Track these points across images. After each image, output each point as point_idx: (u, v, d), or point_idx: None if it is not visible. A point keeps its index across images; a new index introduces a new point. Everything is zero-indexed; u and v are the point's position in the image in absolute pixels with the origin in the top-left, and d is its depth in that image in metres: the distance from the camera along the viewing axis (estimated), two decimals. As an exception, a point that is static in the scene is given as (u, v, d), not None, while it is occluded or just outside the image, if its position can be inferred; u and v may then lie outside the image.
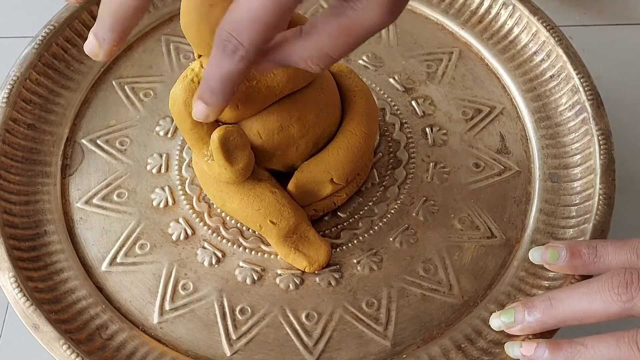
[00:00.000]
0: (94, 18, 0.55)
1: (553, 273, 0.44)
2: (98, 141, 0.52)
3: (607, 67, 0.63)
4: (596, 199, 0.46)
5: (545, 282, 0.44)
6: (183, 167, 0.50)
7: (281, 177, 0.47)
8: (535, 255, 0.43)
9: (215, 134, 0.41)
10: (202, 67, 0.43)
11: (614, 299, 0.38)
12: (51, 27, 0.54)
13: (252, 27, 0.34)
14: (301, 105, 0.45)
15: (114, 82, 0.55)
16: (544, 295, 0.41)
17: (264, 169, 0.46)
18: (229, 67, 0.36)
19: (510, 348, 0.41)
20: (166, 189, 0.50)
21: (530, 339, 0.41)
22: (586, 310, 0.39)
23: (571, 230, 0.46)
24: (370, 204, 0.49)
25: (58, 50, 0.54)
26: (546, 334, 0.41)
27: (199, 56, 0.43)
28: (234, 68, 0.36)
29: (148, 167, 0.51)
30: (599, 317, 0.39)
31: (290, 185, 0.46)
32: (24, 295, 0.43)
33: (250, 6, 0.34)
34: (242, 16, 0.34)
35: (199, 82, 0.42)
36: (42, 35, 0.53)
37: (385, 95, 0.53)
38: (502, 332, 0.42)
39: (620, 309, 0.38)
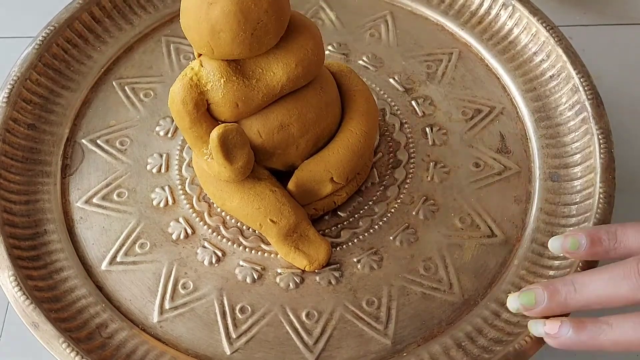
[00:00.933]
0: (95, 19, 0.55)
1: (554, 271, 0.44)
2: (98, 141, 0.52)
3: (607, 67, 0.63)
4: (596, 197, 0.46)
5: (546, 280, 0.44)
6: (183, 167, 0.50)
7: (281, 176, 0.47)
8: (556, 245, 0.43)
9: (215, 133, 0.41)
10: (202, 66, 0.43)
11: None
12: (51, 28, 0.54)
13: None
14: (301, 104, 0.45)
15: (114, 83, 0.55)
16: (566, 279, 0.40)
17: (264, 167, 0.46)
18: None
19: (534, 326, 0.41)
20: (166, 188, 0.50)
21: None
22: (612, 296, 0.39)
23: (571, 228, 0.46)
24: (370, 203, 0.49)
25: (58, 51, 0.54)
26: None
27: (199, 55, 0.43)
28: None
29: (148, 167, 0.51)
30: (625, 303, 0.38)
31: (291, 184, 0.46)
32: (24, 293, 0.43)
33: None
34: None
35: (198, 81, 0.42)
36: (42, 36, 0.53)
37: (385, 96, 0.53)
38: (502, 330, 0.42)
39: None
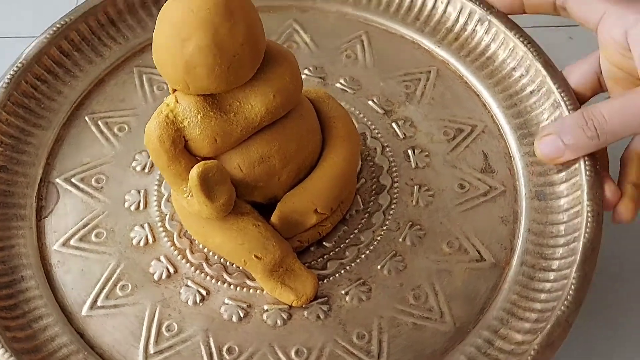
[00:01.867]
0: (63, 53, 0.54)
1: (545, 294, 0.44)
2: (73, 180, 0.50)
3: None
4: (584, 215, 0.45)
5: (538, 304, 0.43)
6: (162, 203, 0.49)
7: (263, 210, 0.45)
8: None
9: (194, 171, 0.40)
10: (178, 102, 0.42)
11: None
12: (19, 65, 0.52)
13: None
14: (282, 135, 0.44)
15: (86, 118, 0.53)
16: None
17: (246, 202, 0.45)
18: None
19: None
20: (146, 226, 0.48)
21: None
22: None
23: (561, 249, 0.45)
24: (355, 231, 0.48)
25: (27, 88, 0.52)
26: None
27: (174, 90, 0.42)
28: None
29: (126, 205, 0.49)
30: None
31: (274, 218, 0.45)
32: (2, 346, 0.42)
33: None
34: None
35: (174, 118, 0.41)
36: (10, 74, 0.52)
37: (365, 119, 0.52)
38: (497, 358, 0.41)
39: None
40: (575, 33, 0.65)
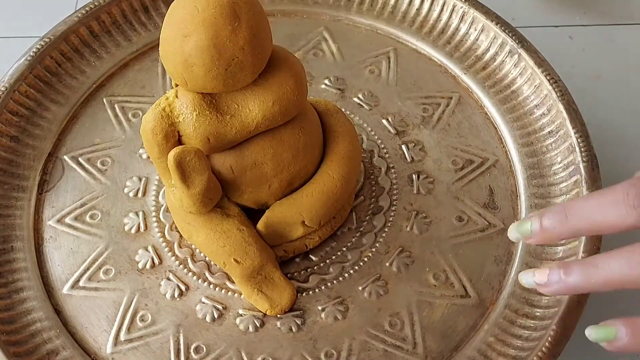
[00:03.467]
0: (93, 33, 0.55)
1: (521, 342, 0.42)
2: (80, 159, 0.51)
3: (607, 67, 0.62)
4: (577, 267, 0.44)
5: (513, 350, 0.42)
6: (160, 194, 0.49)
7: (255, 215, 0.45)
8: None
9: (172, 153, 0.40)
10: (177, 97, 0.42)
11: (629, 212, 0.35)
12: (46, 40, 0.53)
13: None
14: (277, 144, 0.43)
15: (104, 100, 0.54)
16: (559, 206, 0.38)
17: (235, 204, 0.45)
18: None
19: (524, 277, 0.39)
20: (140, 214, 0.49)
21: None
22: (601, 222, 0.36)
23: (547, 298, 0.44)
24: (344, 249, 0.47)
25: (52, 63, 0.53)
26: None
27: (176, 85, 0.42)
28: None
29: (125, 190, 0.50)
30: (614, 229, 0.36)
31: (260, 224, 0.45)
32: (-22, 313, 0.43)
33: None
34: None
35: (170, 112, 0.42)
36: (36, 48, 0.53)
37: (376, 137, 0.52)
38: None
39: (635, 221, 0.35)
40: (576, 33, 0.63)
